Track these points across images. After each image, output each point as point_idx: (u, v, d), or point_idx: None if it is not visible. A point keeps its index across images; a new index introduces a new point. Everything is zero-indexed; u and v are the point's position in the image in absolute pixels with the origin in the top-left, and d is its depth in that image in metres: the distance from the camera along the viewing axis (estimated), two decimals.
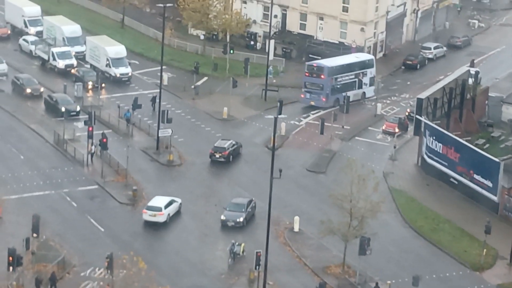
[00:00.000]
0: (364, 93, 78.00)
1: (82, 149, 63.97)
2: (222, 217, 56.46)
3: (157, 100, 68.71)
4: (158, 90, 67.82)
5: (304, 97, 75.20)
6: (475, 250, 55.63)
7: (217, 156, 64.73)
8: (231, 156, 65.07)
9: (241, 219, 56.33)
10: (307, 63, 77.75)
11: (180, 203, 58.59)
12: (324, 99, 74.56)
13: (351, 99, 73.60)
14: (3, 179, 60.42)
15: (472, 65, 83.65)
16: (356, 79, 77.02)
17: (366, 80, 77.92)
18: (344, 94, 72.75)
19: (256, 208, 57.55)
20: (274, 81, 78.39)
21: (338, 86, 74.80)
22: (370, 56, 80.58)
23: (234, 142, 65.98)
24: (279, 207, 57.56)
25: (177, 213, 57.71)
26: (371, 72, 78.34)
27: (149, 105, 72.28)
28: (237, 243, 52.65)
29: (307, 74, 75.31)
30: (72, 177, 61.47)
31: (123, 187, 60.54)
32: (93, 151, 62.11)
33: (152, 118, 70.04)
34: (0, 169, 61.80)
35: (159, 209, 56.21)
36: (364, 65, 78.16)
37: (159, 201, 56.94)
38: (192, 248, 54.44)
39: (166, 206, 56.64)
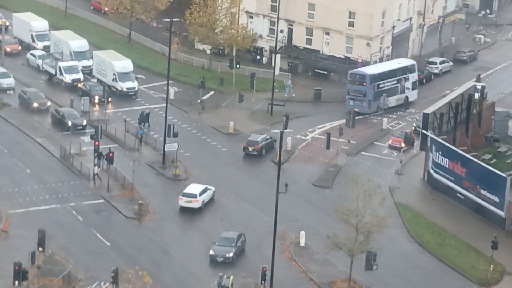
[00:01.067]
0: (407, 97, 80.00)
1: (88, 163, 64.05)
2: (211, 252, 54.17)
3: (149, 116, 70.19)
4: (164, 105, 67.95)
5: (348, 104, 77.54)
6: (482, 265, 55.41)
7: (250, 149, 67.48)
8: (263, 150, 67.58)
9: (231, 254, 53.85)
10: (349, 71, 79.67)
11: (214, 191, 61.43)
12: (366, 105, 77.08)
13: (393, 104, 77.92)
14: (9, 193, 60.51)
15: (479, 80, 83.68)
16: (398, 84, 79.37)
17: (408, 84, 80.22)
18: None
19: (246, 243, 55.35)
20: (294, 95, 79.38)
21: (381, 91, 77.66)
22: (412, 62, 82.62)
23: (267, 137, 68.68)
24: (285, 221, 57.46)
25: (211, 200, 60.94)
26: (413, 76, 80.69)
27: (153, 120, 72.22)
28: (225, 276, 50.80)
29: (349, 82, 78.00)
30: (78, 191, 61.53)
31: (129, 201, 60.55)
32: (96, 171, 61.69)
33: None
34: (7, 183, 61.91)
35: (194, 196, 59.57)
36: (406, 70, 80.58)
37: (194, 188, 60.36)
38: (198, 263, 54.30)
39: (201, 193, 60.04)
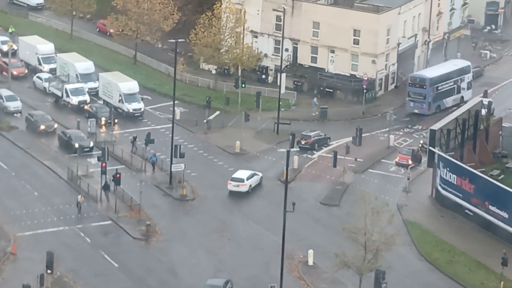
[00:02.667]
0: (462, 97, 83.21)
1: (95, 185, 64.08)
2: None
3: (137, 141, 70.41)
4: (171, 125, 68.02)
5: (408, 106, 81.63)
6: (492, 282, 55.07)
7: (303, 142, 71.96)
8: (316, 144, 72.14)
9: None
10: (410, 74, 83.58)
11: (261, 177, 65.96)
12: (426, 107, 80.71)
13: (450, 104, 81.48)
14: (17, 216, 60.55)
15: (486, 95, 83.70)
16: (455, 85, 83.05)
17: (464, 85, 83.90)
18: (414, 110, 78.95)
19: None
20: (316, 113, 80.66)
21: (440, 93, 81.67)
22: (467, 63, 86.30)
23: (321, 133, 73.46)
24: (292, 240, 57.29)
25: (258, 185, 65.18)
26: (468, 77, 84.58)
27: (160, 141, 72.26)
28: None
29: (410, 85, 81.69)
30: (86, 213, 61.52)
31: (137, 222, 60.50)
32: (78, 200, 61.05)
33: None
34: (14, 205, 61.96)
35: (241, 180, 64.56)
36: (462, 71, 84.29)
37: (242, 173, 65.32)
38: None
39: (248, 178, 64.83)
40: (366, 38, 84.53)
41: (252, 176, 65.54)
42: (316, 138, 72.97)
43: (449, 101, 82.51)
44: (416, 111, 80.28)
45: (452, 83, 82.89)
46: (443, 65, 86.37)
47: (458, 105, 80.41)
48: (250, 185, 64.98)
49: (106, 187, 62.30)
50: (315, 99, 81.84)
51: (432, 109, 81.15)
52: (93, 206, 62.52)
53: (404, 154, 72.30)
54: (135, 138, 71.18)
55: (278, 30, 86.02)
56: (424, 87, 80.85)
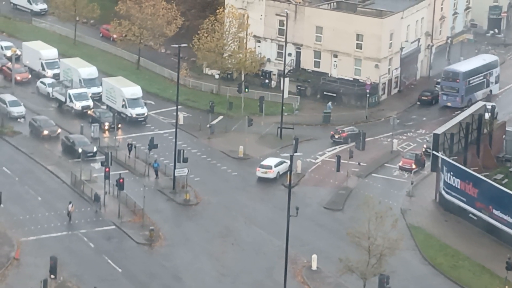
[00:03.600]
0: (491, 91, 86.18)
1: (99, 190, 64.09)
2: None
3: (134, 148, 70.12)
4: (174, 130, 68.05)
5: (441, 99, 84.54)
6: (496, 287, 54.91)
7: (336, 137, 74.58)
8: (349, 139, 73.52)
9: None
10: (444, 68, 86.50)
11: (290, 165, 65.64)
12: (459, 101, 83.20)
13: (480, 98, 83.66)
14: (20, 221, 60.56)
15: (489, 99, 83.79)
16: (485, 79, 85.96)
17: (492, 79, 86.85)
18: (447, 103, 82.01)
19: None
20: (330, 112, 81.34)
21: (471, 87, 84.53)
22: (495, 57, 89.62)
23: (355, 129, 75.70)
24: (296, 245, 57.23)
25: (286, 172, 66.37)
26: (496, 71, 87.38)
27: (163, 146, 72.25)
28: None
29: (443, 79, 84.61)
30: (89, 218, 61.52)
31: (140, 227, 60.48)
32: (69, 209, 60.40)
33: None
34: (18, 210, 61.98)
35: (269, 167, 67.37)
36: (491, 66, 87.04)
37: (270, 160, 68.29)
38: None
39: (276, 165, 67.52)
40: (369, 43, 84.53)
41: (280, 163, 67.89)
42: (349, 132, 75.13)
43: (479, 95, 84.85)
44: (449, 104, 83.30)
45: (482, 77, 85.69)
46: (473, 60, 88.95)
47: (487, 98, 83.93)
48: (278, 172, 67.41)
49: (97, 198, 61.72)
50: (329, 103, 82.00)
51: (465, 102, 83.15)
52: (97, 211, 62.46)
53: (407, 158, 72.23)
54: (131, 146, 70.86)
55: (281, 35, 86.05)
56: (458, 81, 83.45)
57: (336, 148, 75.14)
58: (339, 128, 76.16)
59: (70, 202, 60.39)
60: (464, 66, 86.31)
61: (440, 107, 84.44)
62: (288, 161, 66.30)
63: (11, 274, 54.28)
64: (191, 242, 59.63)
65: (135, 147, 71.42)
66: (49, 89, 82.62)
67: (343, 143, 73.95)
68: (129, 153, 70.46)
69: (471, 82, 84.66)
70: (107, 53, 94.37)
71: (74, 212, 60.32)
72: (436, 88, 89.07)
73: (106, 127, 75.56)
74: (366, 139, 72.95)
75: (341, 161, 68.16)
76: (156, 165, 67.94)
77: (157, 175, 67.84)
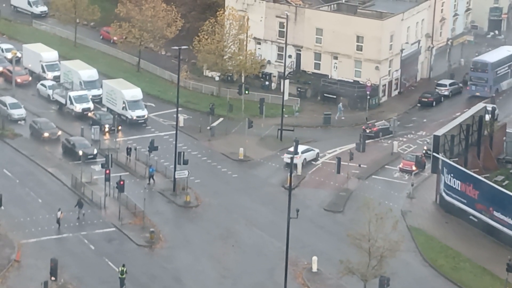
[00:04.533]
0: None
1: (99, 192, 64.11)
2: None
3: (134, 150, 69.84)
4: (174, 132, 68.07)
5: (470, 89, 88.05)
6: None
7: (368, 131, 76.55)
8: (380, 133, 76.73)
9: None
10: (473, 59, 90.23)
11: (318, 153, 71.36)
12: (488, 90, 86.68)
13: (505, 88, 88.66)
14: (21, 223, 60.57)
15: (493, 101, 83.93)
16: (509, 70, 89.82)
17: None
18: (476, 93, 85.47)
19: None
20: (343, 118, 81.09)
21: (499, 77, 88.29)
22: None
23: (386, 123, 78.18)
24: (296, 247, 57.23)
25: (314, 160, 70.57)
26: None
27: (163, 148, 72.22)
28: None
29: (472, 70, 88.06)
30: (90, 220, 61.53)
31: (141, 229, 60.49)
32: (58, 216, 59.75)
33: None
34: (19, 213, 61.99)
35: (296, 153, 69.16)
36: None
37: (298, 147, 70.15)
38: None
39: (303, 152, 70.36)
40: (369, 44, 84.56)
41: (307, 150, 70.97)
42: (380, 127, 77.65)
43: (504, 85, 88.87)
44: (478, 94, 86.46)
45: (507, 68, 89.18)
46: (499, 51, 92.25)
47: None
48: (305, 159, 70.12)
49: (80, 205, 61.12)
50: (340, 104, 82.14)
51: (492, 91, 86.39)
52: (97, 213, 62.53)
53: (408, 160, 72.24)
54: (130, 149, 70.61)
55: (281, 37, 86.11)
56: (486, 71, 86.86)
57: (336, 150, 75.17)
58: (370, 122, 78.36)
59: (59, 209, 59.61)
60: (492, 56, 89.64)
61: (468, 97, 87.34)
62: (315, 149, 71.31)
63: (12, 276, 54.29)
64: (191, 244, 59.64)
65: (135, 149, 71.38)
66: (50, 91, 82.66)
67: (375, 137, 76.33)
68: (129, 156, 70.11)
69: (498, 72, 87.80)
70: (107, 55, 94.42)
71: (63, 219, 59.68)
72: (437, 90, 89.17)
73: (107, 129, 75.58)
74: (367, 141, 72.93)
75: (342, 163, 68.17)
76: (151, 170, 67.22)
77: (149, 180, 66.97)
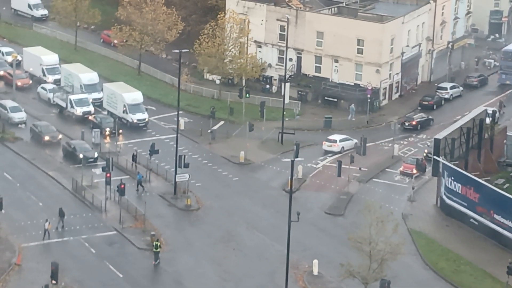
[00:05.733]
0: None
1: (100, 196, 64.10)
2: None
3: (137, 158, 69.48)
4: (175, 136, 68.09)
5: (500, 78, 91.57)
6: None
7: (407, 124, 79.35)
8: (419, 125, 79.17)
9: None
10: (503, 49, 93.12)
11: (356, 142, 73.67)
12: None
13: None
14: (22, 226, 60.55)
15: (501, 106, 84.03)
16: None
17: None
18: (507, 81, 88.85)
19: None
20: (353, 119, 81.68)
21: None
22: None
23: (423, 115, 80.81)
24: (298, 250, 57.21)
25: (351, 149, 73.35)
26: None
27: (164, 151, 72.21)
28: None
29: (503, 59, 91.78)
30: (91, 223, 61.52)
31: (141, 233, 60.47)
32: (46, 227, 58.91)
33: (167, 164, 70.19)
34: (20, 216, 61.99)
35: (334, 141, 74.13)
36: None
37: (336, 136, 75.11)
38: None
39: (341, 140, 74.41)
40: (370, 48, 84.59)
41: (345, 139, 74.43)
42: (419, 120, 79.89)
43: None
44: (508, 82, 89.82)
45: None
46: None
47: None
48: (343, 147, 73.60)
49: (61, 214, 60.35)
50: (352, 105, 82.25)
51: None
52: (98, 217, 62.53)
53: (408, 163, 72.24)
54: (136, 156, 70.31)
55: (282, 40, 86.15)
56: None
57: (337, 153, 75.13)
58: (409, 115, 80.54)
59: (46, 220, 58.98)
60: None
61: (498, 85, 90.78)
62: (354, 139, 74.26)
63: (13, 280, 54.27)
64: (193, 247, 59.62)
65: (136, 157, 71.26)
66: (50, 95, 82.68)
67: (413, 130, 78.31)
68: (135, 163, 69.49)
69: None
70: (108, 58, 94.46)
71: (50, 230, 58.83)
72: (437, 93, 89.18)
73: (107, 133, 75.56)
74: (367, 144, 72.93)
75: (342, 166, 68.16)
76: (139, 177, 66.18)
77: (138, 187, 66.23)
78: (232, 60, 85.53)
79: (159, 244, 55.80)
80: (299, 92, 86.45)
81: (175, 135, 68.18)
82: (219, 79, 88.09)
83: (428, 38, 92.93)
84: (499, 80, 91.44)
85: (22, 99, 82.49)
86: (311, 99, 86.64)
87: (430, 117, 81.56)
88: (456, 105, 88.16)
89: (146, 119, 79.03)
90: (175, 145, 67.82)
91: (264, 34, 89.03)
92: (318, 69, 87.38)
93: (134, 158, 69.97)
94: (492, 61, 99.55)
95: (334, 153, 73.30)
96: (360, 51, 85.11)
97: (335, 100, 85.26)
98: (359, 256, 51.89)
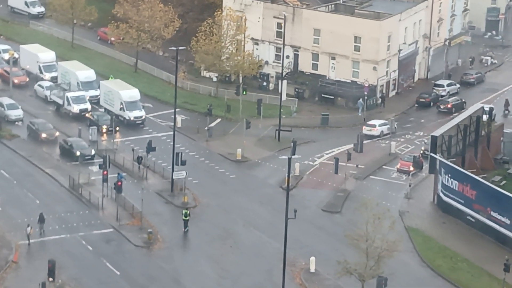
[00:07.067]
0: None
1: (97, 193, 64.07)
2: None
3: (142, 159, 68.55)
4: (172, 133, 68.07)
5: None
6: None
7: (442, 107, 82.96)
8: (453, 108, 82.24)
9: None
10: None
11: (395, 126, 77.95)
12: None
13: None
14: (19, 224, 60.50)
15: (507, 104, 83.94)
16: None
17: None
18: None
19: None
20: (360, 114, 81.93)
21: None
22: None
23: (458, 99, 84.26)
24: (294, 247, 57.24)
25: (390, 133, 77.23)
26: None
27: (161, 148, 72.24)
28: None
29: None
30: (88, 221, 61.50)
31: (139, 230, 60.47)
32: (28, 232, 57.94)
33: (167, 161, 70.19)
34: (17, 214, 61.94)
35: (374, 126, 77.76)
36: None
37: (375, 121, 78.56)
38: None
39: (380, 125, 77.96)
40: (367, 45, 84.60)
41: (384, 124, 77.93)
42: (454, 103, 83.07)
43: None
44: None
45: None
46: None
47: None
48: (382, 131, 77.29)
49: (41, 220, 59.35)
50: (360, 99, 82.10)
51: None
52: (95, 214, 62.50)
53: (405, 160, 72.28)
54: (141, 158, 69.69)
55: (279, 37, 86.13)
56: None
57: (334, 151, 75.22)
58: (444, 99, 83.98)
59: (28, 225, 58.12)
60: None
61: None
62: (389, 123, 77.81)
63: (10, 277, 54.24)
64: (190, 244, 59.63)
65: (133, 150, 71.27)
66: (47, 92, 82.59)
67: (449, 113, 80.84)
68: (139, 165, 68.73)
69: None
70: (105, 56, 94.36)
71: (31, 235, 57.76)
72: (434, 90, 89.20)
73: (104, 130, 75.50)
74: (364, 142, 72.97)
75: (339, 163, 68.16)
76: (120, 177, 63.88)
77: (115, 187, 64.00)
78: (229, 57, 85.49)
79: (188, 212, 59.81)
80: (296, 90, 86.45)
81: (172, 133, 68.17)
82: (216, 77, 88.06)
83: (425, 36, 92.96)
84: None
85: (19, 96, 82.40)
86: (308, 97, 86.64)
87: (463, 100, 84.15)
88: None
89: (143, 117, 78.98)
90: (172, 143, 67.81)
91: (261, 31, 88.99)
92: (315, 67, 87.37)
93: (140, 160, 68.94)
94: (489, 58, 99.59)
95: (374, 137, 76.46)
96: (357, 49, 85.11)
97: (332, 97, 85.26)
98: (356, 253, 51.93)
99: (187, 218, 59.99)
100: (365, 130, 77.15)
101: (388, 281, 50.99)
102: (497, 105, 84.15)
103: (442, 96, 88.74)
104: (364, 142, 72.74)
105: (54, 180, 67.31)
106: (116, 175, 63.97)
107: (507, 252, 58.39)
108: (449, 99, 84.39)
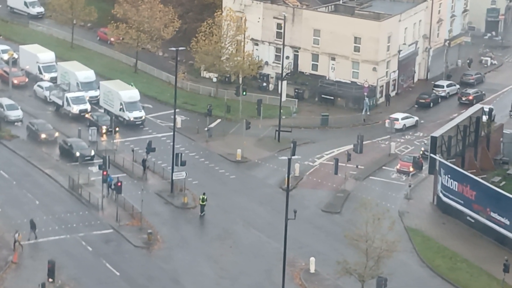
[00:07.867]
0: None
1: (96, 194, 64.06)
2: None
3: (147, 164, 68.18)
4: (172, 134, 68.07)
5: None
6: None
7: (463, 99, 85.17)
8: (474, 100, 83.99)
9: None
10: None
11: (417, 120, 79.72)
12: None
13: None
14: (18, 224, 60.47)
15: None
16: None
17: None
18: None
19: None
20: (368, 113, 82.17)
21: None
22: None
23: (478, 91, 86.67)
24: (294, 248, 57.25)
25: (413, 126, 79.57)
26: None
27: (161, 149, 72.23)
28: None
29: None
30: (87, 221, 61.50)
31: (138, 231, 60.47)
32: (16, 238, 57.11)
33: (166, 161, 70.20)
34: (16, 214, 61.93)
35: (396, 119, 78.10)
36: None
37: (398, 114, 79.67)
38: None
39: (403, 118, 79.22)
40: (367, 46, 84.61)
41: (406, 118, 79.53)
42: (474, 95, 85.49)
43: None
44: None
45: None
46: None
47: None
48: (404, 125, 78.49)
49: (32, 226, 58.82)
50: (366, 99, 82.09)
51: None
52: (95, 215, 62.50)
53: (405, 161, 72.29)
54: (146, 161, 69.25)
55: (279, 38, 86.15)
56: None
57: (334, 151, 75.21)
58: (465, 90, 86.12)
59: (16, 231, 57.45)
60: None
61: None
62: (415, 117, 79.41)
63: (9, 278, 54.24)
64: (189, 245, 59.63)
65: (133, 150, 71.26)
66: (47, 93, 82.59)
67: (469, 105, 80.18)
68: (144, 170, 68.31)
69: None
70: (104, 56, 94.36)
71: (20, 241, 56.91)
72: (434, 91, 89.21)
73: (104, 131, 75.49)
74: (364, 142, 72.97)
75: (339, 164, 68.17)
76: (109, 179, 63.75)
77: (108, 190, 64.01)
78: (229, 58, 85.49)
79: (205, 197, 61.83)
80: (296, 90, 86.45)
81: (172, 133, 68.16)
82: (216, 77, 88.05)
83: (425, 36, 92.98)
84: None
85: (18, 97, 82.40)
86: (308, 97, 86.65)
87: (483, 92, 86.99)
88: (452, 103, 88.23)
89: (143, 117, 78.98)
90: (171, 143, 67.80)
91: (261, 32, 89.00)
92: (315, 67, 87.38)
93: (144, 163, 68.33)
94: (489, 59, 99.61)
95: (397, 130, 77.19)
96: (357, 49, 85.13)
97: (332, 98, 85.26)
98: (356, 253, 51.94)
99: (204, 203, 61.95)
100: (387, 123, 77.00)
101: (387, 281, 50.97)
102: (496, 106, 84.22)
103: (441, 97, 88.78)
104: (364, 142, 72.83)
105: (53, 181, 67.30)
106: (107, 177, 63.55)
107: (506, 252, 58.41)
108: (471, 91, 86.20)
